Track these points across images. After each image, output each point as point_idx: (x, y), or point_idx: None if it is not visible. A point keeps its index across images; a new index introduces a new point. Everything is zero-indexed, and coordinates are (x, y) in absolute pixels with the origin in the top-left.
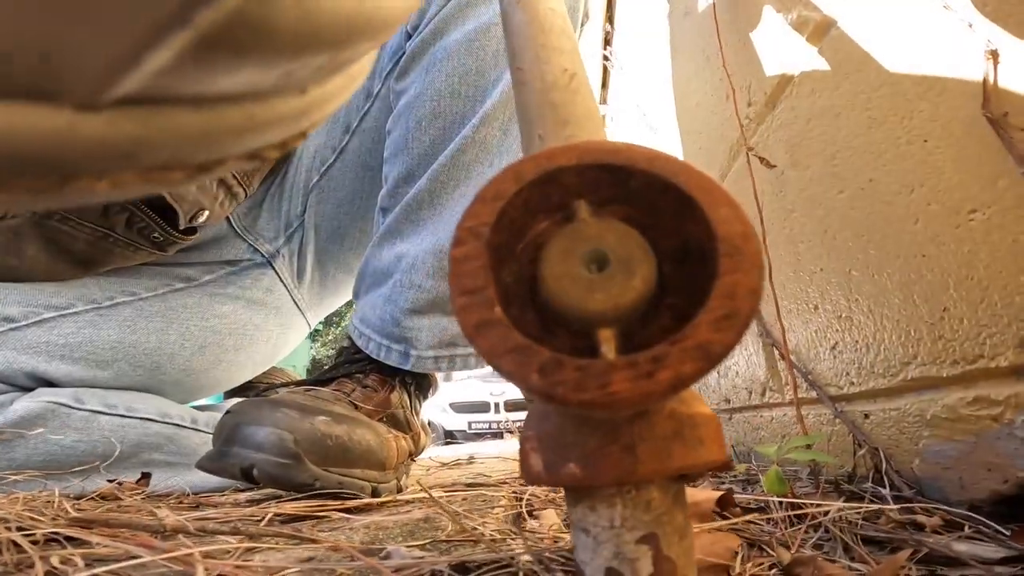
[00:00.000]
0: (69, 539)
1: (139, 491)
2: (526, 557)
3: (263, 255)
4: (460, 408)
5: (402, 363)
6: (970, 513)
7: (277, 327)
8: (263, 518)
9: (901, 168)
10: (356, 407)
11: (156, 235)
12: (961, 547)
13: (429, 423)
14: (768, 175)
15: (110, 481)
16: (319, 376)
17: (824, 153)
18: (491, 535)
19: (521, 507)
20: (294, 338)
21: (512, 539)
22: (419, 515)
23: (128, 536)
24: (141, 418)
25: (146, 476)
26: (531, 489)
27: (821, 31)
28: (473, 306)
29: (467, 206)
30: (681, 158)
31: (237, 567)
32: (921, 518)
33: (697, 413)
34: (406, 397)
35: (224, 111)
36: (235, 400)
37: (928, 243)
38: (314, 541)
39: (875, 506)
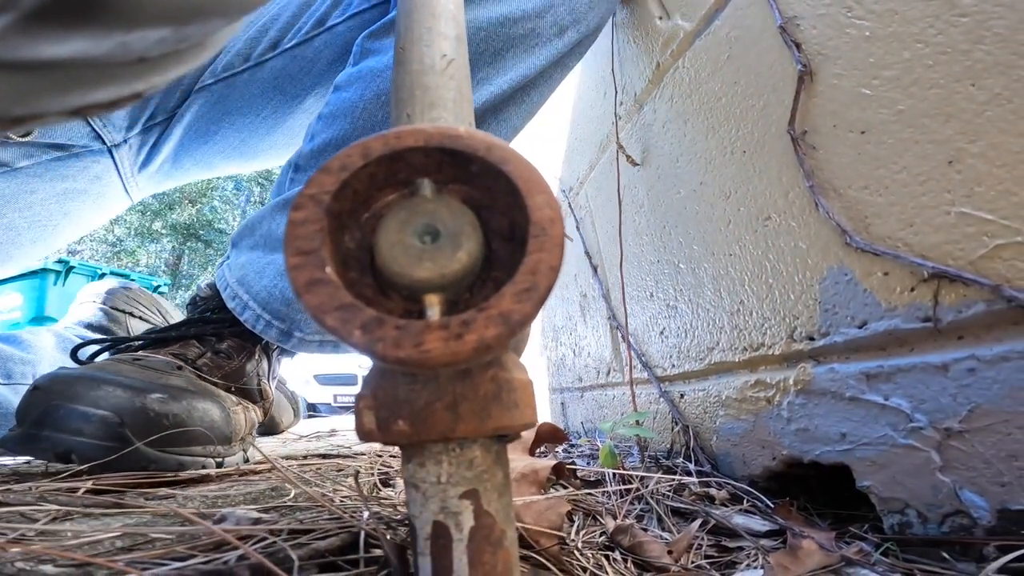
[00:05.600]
0: None
1: None
2: (368, 518)
3: (104, 143)
4: (325, 380)
5: (282, 341)
6: (748, 488)
7: (92, 212)
8: (79, 490)
9: (724, 175)
10: (200, 376)
11: None
12: (739, 520)
13: (292, 394)
14: (625, 172)
15: None
16: (161, 333)
17: (671, 155)
18: (340, 501)
19: (374, 476)
20: (107, 218)
21: (361, 505)
22: (265, 485)
23: None
24: None
25: None
26: (387, 459)
27: (688, 41)
28: (305, 265)
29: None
30: (563, 147)
31: (39, 536)
32: (714, 491)
33: (515, 378)
34: (265, 364)
35: (45, 74)
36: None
37: (735, 243)
38: (138, 508)
39: (683, 479)
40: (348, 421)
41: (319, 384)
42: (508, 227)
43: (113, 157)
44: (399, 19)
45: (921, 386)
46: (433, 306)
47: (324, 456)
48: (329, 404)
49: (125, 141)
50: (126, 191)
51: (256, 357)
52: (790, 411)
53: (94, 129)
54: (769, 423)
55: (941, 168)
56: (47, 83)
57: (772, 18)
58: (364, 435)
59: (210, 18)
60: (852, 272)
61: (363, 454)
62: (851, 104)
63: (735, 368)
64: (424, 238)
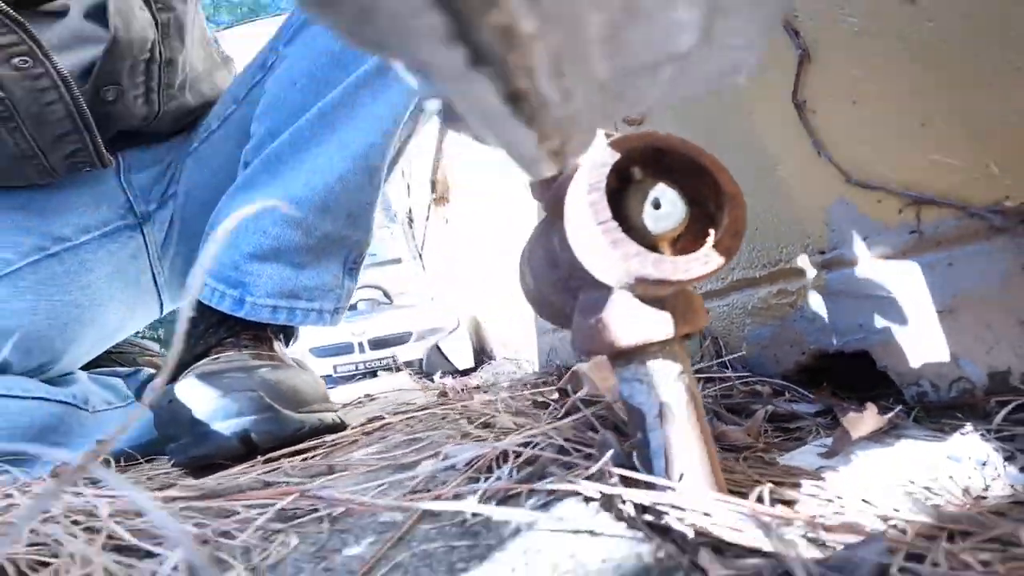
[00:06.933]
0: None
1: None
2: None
3: (136, 215)
4: (322, 352)
5: (235, 309)
6: (784, 382)
7: (131, 300)
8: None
9: (737, 128)
10: None
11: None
12: (792, 406)
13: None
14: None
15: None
16: (192, 351)
17: (677, 111)
18: (511, 424)
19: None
20: (140, 319)
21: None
22: (401, 438)
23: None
24: (37, 398)
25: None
26: (476, 406)
27: None
28: (608, 231)
29: (576, 176)
30: None
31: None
32: (758, 388)
33: (692, 293)
34: (281, 346)
35: None
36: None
37: (746, 192)
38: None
39: (729, 377)
40: (370, 386)
41: (316, 357)
42: (693, 197)
43: (143, 233)
44: None
45: (915, 280)
46: (666, 248)
47: (419, 409)
48: (330, 375)
49: (151, 216)
50: (154, 280)
51: (276, 341)
52: (813, 311)
53: (128, 199)
54: (794, 324)
55: (916, 129)
56: None
57: None
58: (602, 349)
59: None
60: (853, 203)
61: (434, 406)
62: (844, 82)
63: (757, 283)
64: (654, 205)
